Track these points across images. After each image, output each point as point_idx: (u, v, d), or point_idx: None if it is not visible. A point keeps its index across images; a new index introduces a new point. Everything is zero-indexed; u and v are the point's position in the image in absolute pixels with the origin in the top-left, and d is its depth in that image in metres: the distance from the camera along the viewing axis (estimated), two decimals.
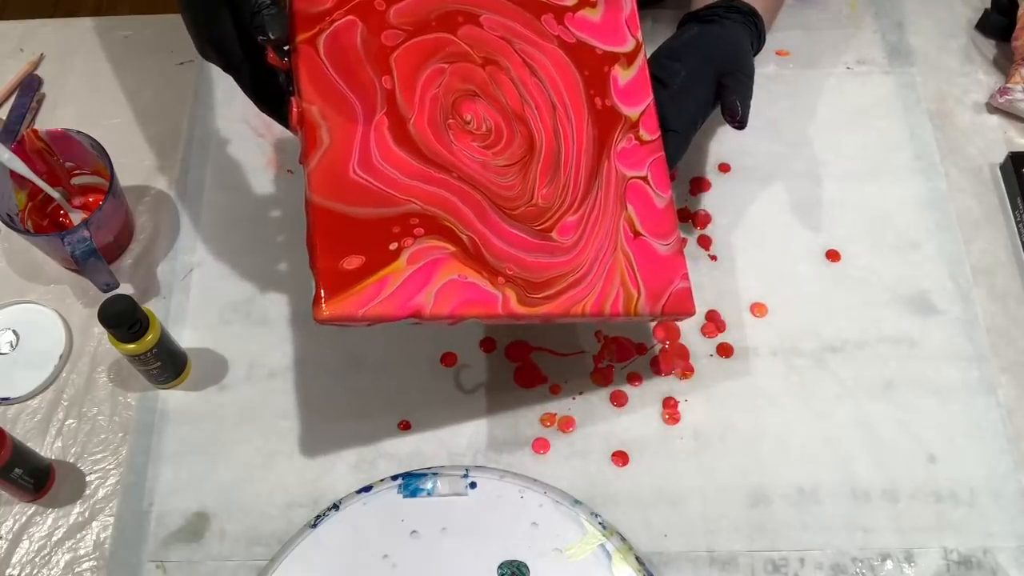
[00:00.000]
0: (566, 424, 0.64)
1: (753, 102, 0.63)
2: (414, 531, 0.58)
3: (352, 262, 0.49)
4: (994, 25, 0.79)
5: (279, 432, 0.64)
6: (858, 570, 0.59)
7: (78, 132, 0.67)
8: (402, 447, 0.63)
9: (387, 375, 0.65)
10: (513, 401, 0.64)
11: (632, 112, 0.61)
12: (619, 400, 0.64)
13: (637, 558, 0.57)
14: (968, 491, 0.61)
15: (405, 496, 0.59)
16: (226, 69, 0.54)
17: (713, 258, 0.70)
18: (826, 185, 0.73)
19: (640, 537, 0.59)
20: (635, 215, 0.59)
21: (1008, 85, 0.74)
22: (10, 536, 0.61)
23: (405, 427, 0.64)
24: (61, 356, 0.66)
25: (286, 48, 0.53)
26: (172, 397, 0.65)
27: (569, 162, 0.58)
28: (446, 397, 0.65)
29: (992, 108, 0.76)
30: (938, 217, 0.71)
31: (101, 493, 0.62)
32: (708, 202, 0.72)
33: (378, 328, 0.66)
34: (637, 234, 0.58)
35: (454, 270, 0.51)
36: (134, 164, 0.74)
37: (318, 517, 0.59)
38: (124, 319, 0.58)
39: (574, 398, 0.65)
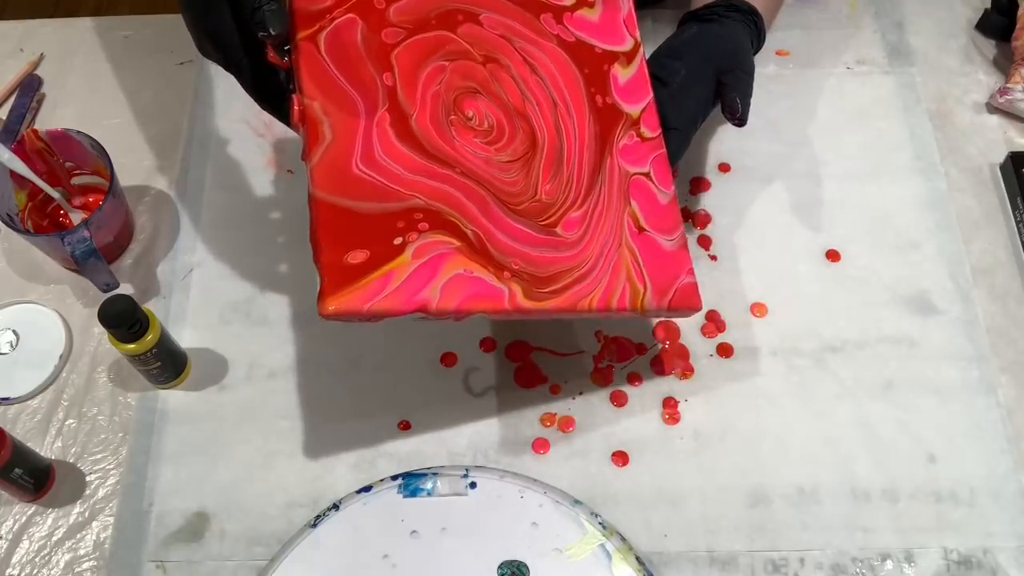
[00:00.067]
0: (566, 424, 0.64)
1: (753, 102, 0.63)
2: (414, 531, 0.58)
3: (356, 256, 0.49)
4: (994, 25, 0.79)
5: (279, 432, 0.64)
6: (858, 570, 0.59)
7: (78, 132, 0.67)
8: (402, 447, 0.63)
9: (387, 375, 0.65)
10: (513, 401, 0.64)
11: (633, 110, 0.61)
12: (619, 400, 0.64)
13: (637, 558, 0.57)
14: (968, 491, 0.61)
15: (405, 496, 0.59)
16: (226, 67, 0.54)
17: (713, 258, 0.70)
18: (826, 185, 0.73)
19: (640, 537, 0.59)
20: (639, 211, 0.59)
21: (1008, 85, 0.74)
22: (10, 536, 0.61)
23: (405, 427, 0.64)
24: (61, 356, 0.66)
25: (286, 47, 0.53)
26: (172, 397, 0.65)
27: (572, 158, 0.58)
28: (446, 397, 0.65)
29: (992, 108, 0.76)
30: (938, 217, 0.71)
31: (101, 493, 0.62)
32: (708, 202, 0.72)
33: (379, 328, 0.66)
34: (641, 229, 0.58)
35: (459, 265, 0.51)
36: (134, 164, 0.74)
37: (318, 517, 0.59)
38: (124, 319, 0.58)
39: (574, 398, 0.65)
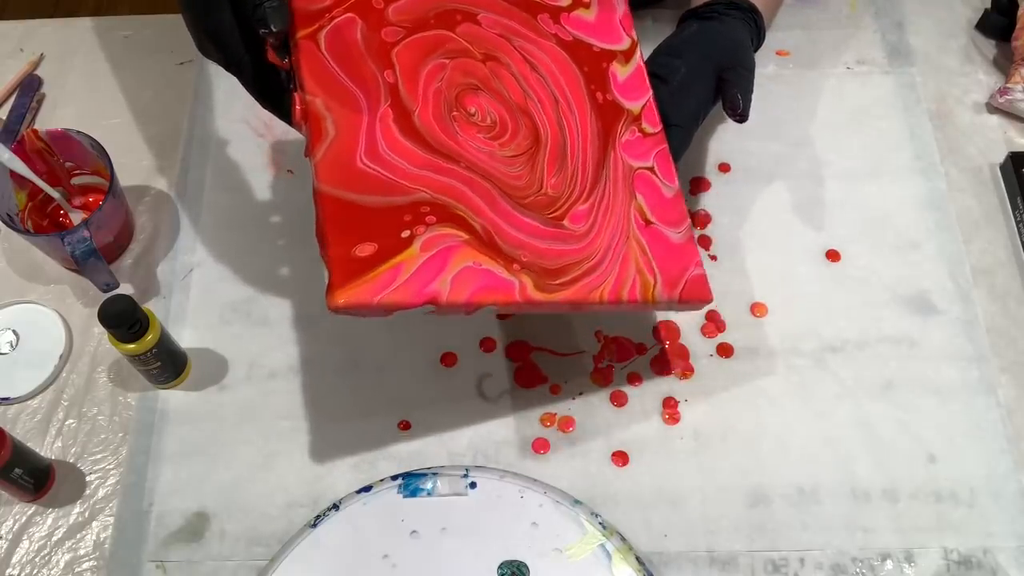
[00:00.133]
0: (566, 424, 0.64)
1: (753, 102, 0.63)
2: (414, 531, 0.58)
3: (364, 249, 0.48)
4: (994, 25, 0.79)
5: (279, 432, 0.64)
6: (858, 570, 0.59)
7: (78, 132, 0.67)
8: (402, 447, 0.63)
9: (387, 375, 0.65)
10: (513, 401, 0.64)
11: (634, 106, 0.61)
12: (619, 400, 0.64)
13: (637, 558, 0.57)
14: (968, 491, 0.61)
15: (405, 496, 0.59)
16: (226, 66, 0.54)
17: (713, 258, 0.70)
18: (826, 185, 0.73)
19: (640, 537, 0.59)
20: (645, 204, 0.59)
21: (1008, 85, 0.74)
22: (10, 536, 0.61)
23: (405, 427, 0.64)
24: (61, 356, 0.66)
25: (286, 48, 0.53)
26: (172, 397, 0.65)
27: (575, 153, 0.58)
28: (446, 397, 0.65)
29: (992, 108, 0.76)
30: (938, 217, 0.71)
31: (101, 493, 0.62)
32: (708, 202, 0.72)
33: (379, 328, 0.67)
34: (648, 222, 0.58)
35: (468, 257, 0.51)
36: (134, 164, 0.74)
37: (318, 517, 0.59)
38: (124, 319, 0.58)
39: (574, 398, 0.65)
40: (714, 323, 0.67)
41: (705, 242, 0.70)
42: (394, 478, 0.60)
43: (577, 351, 0.66)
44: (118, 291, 0.67)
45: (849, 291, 0.68)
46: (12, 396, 0.65)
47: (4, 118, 0.76)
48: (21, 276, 0.70)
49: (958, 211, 0.71)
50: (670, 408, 0.64)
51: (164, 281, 0.70)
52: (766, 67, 0.78)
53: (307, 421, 0.64)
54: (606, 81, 0.61)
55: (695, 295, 0.59)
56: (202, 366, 0.66)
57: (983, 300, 0.68)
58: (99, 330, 0.67)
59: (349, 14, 0.55)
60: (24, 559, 0.60)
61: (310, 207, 0.72)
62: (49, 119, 0.77)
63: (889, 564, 0.59)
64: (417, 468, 0.61)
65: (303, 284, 0.69)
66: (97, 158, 0.68)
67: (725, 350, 0.66)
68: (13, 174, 0.66)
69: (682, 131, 0.63)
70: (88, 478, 0.63)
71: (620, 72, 0.62)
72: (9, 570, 0.60)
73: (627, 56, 0.63)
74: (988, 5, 0.80)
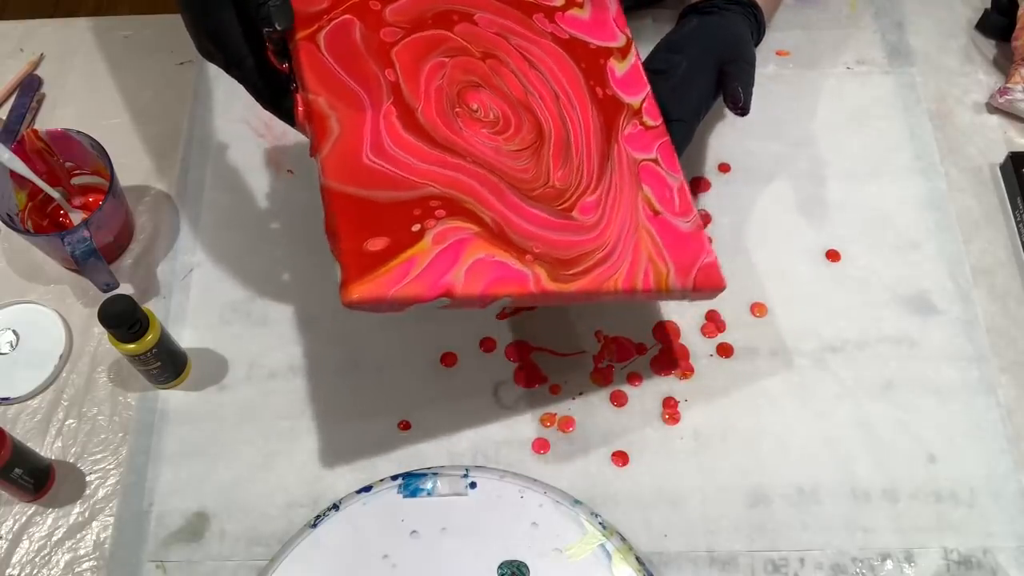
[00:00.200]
0: (566, 424, 0.64)
1: (753, 102, 0.64)
2: (414, 531, 0.58)
3: (376, 244, 0.48)
4: (994, 25, 0.79)
5: (279, 432, 0.64)
6: (858, 570, 0.59)
7: (78, 132, 0.67)
8: (402, 447, 0.63)
9: (387, 375, 0.65)
10: (513, 401, 0.64)
11: (633, 100, 0.62)
12: (619, 400, 0.64)
13: (637, 558, 0.57)
14: (968, 491, 0.61)
15: (405, 496, 0.59)
16: (227, 67, 0.54)
17: None
18: (826, 185, 0.73)
19: (640, 537, 0.59)
20: (652, 195, 0.59)
21: (1008, 85, 0.74)
22: (10, 536, 0.61)
23: (405, 427, 0.64)
24: (61, 356, 0.66)
25: (286, 51, 0.53)
26: (172, 397, 0.65)
27: (579, 146, 0.58)
28: (446, 397, 0.65)
29: (992, 108, 0.76)
30: (938, 217, 0.71)
31: (101, 493, 0.62)
32: (708, 202, 0.72)
33: (379, 328, 0.67)
34: (657, 212, 0.58)
35: (481, 249, 0.51)
36: (134, 164, 0.74)
37: (318, 517, 0.59)
38: (124, 319, 0.58)
39: (574, 398, 0.65)
40: (714, 323, 0.67)
41: None
42: (394, 478, 0.60)
43: (577, 351, 0.66)
44: (118, 291, 0.67)
45: (849, 291, 0.68)
46: (12, 396, 0.65)
47: (4, 118, 0.76)
48: (21, 276, 0.70)
49: (958, 211, 0.71)
50: (670, 408, 0.64)
51: (164, 281, 0.70)
52: (766, 67, 0.78)
53: (307, 421, 0.64)
54: (604, 77, 0.62)
55: (708, 283, 0.58)
56: (202, 366, 0.66)
57: (983, 300, 0.68)
58: (99, 330, 0.67)
59: (347, 15, 0.55)
60: (24, 559, 0.60)
61: (310, 207, 0.72)
62: (49, 119, 0.77)
63: (889, 564, 0.59)
64: (417, 468, 0.61)
65: (303, 284, 0.69)
66: (97, 158, 0.68)
67: (725, 350, 0.66)
68: (13, 174, 0.66)
69: (684, 125, 0.63)
70: (88, 478, 0.63)
71: (618, 68, 0.62)
72: (9, 570, 0.60)
73: (623, 53, 0.63)
74: (988, 5, 0.80)
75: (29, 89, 0.78)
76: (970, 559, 0.59)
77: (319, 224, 0.71)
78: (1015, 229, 0.70)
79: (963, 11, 0.81)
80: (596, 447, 0.63)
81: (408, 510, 0.59)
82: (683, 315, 0.67)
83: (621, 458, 0.62)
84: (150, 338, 0.60)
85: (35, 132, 0.67)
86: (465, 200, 0.52)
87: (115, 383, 0.66)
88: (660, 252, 0.57)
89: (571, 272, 0.53)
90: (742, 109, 0.63)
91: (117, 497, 0.62)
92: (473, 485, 0.59)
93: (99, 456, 0.63)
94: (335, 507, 0.59)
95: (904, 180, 0.73)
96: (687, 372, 0.65)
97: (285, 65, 0.54)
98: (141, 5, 0.91)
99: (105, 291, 0.66)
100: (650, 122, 0.61)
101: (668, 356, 0.66)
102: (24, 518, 0.61)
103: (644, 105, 0.62)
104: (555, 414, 0.64)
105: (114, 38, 0.81)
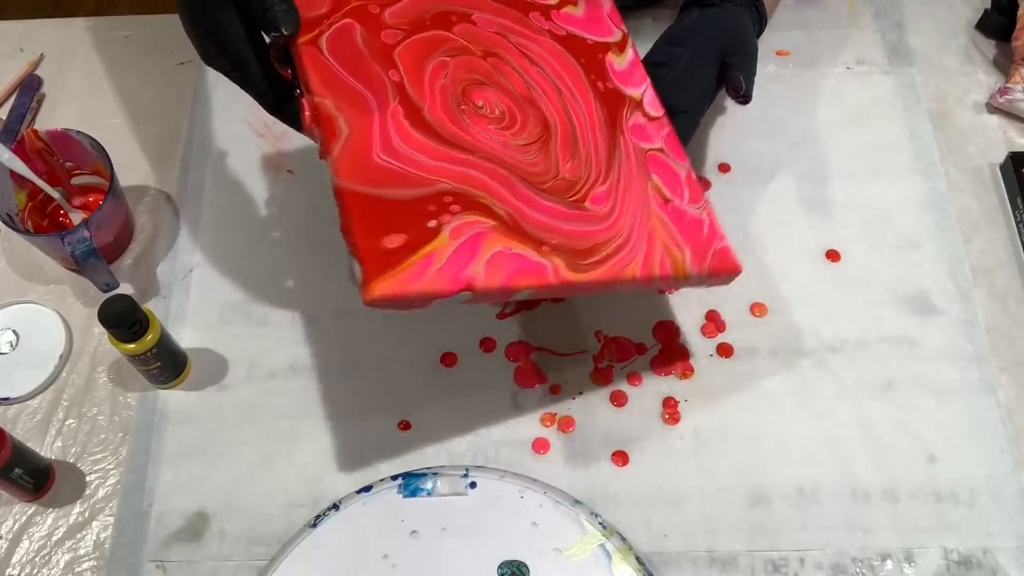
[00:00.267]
0: (566, 424, 0.64)
1: (753, 102, 0.64)
2: (414, 531, 0.58)
3: (393, 241, 0.49)
4: (994, 25, 0.79)
5: (279, 432, 0.64)
6: (858, 570, 0.59)
7: (78, 132, 0.67)
8: (402, 447, 0.63)
9: (387, 375, 0.65)
10: (513, 401, 0.64)
11: (635, 92, 0.62)
12: (619, 400, 0.64)
13: (637, 558, 0.57)
14: (968, 491, 0.61)
15: (405, 496, 0.59)
16: (230, 72, 0.53)
17: None
18: (826, 185, 0.73)
19: (640, 537, 0.59)
20: (661, 183, 0.59)
21: (1008, 85, 0.74)
22: (10, 536, 0.61)
23: (405, 427, 0.64)
24: (61, 356, 0.66)
25: (287, 57, 0.53)
26: (172, 397, 0.65)
27: (586, 138, 0.58)
28: (446, 397, 0.65)
29: (992, 108, 0.76)
30: (938, 217, 0.71)
31: (101, 493, 0.62)
32: None
33: (379, 327, 0.67)
34: (667, 200, 0.59)
35: (498, 243, 0.51)
36: (134, 164, 0.74)
37: (318, 517, 0.59)
38: (124, 319, 0.58)
39: (574, 398, 0.65)
40: (714, 323, 0.67)
41: None
42: (394, 478, 0.60)
43: (577, 351, 0.66)
44: (118, 291, 0.67)
45: (849, 291, 0.68)
46: (12, 396, 0.65)
47: (4, 118, 0.76)
48: (21, 276, 0.70)
49: (958, 211, 0.71)
50: (670, 408, 0.64)
51: (164, 281, 0.70)
52: (766, 67, 0.78)
53: (307, 421, 0.64)
54: (604, 71, 0.62)
55: (724, 267, 0.59)
56: (202, 366, 0.66)
57: (983, 300, 0.68)
58: (99, 330, 0.67)
59: (347, 19, 0.55)
60: (24, 559, 0.60)
61: (310, 207, 0.72)
62: (49, 119, 0.77)
63: (889, 564, 0.59)
64: (417, 468, 0.61)
65: (303, 284, 0.69)
66: (97, 158, 0.68)
67: (725, 350, 0.66)
68: (13, 174, 0.66)
69: (688, 117, 0.63)
70: (88, 478, 0.63)
71: (616, 62, 0.63)
72: (9, 570, 0.60)
73: (620, 47, 0.64)
74: (988, 5, 0.80)
75: (29, 89, 0.78)
76: (970, 559, 0.59)
77: (319, 224, 0.71)
78: (1015, 229, 0.70)
79: (963, 11, 0.81)
80: (596, 447, 0.63)
81: (408, 510, 0.59)
82: (683, 315, 0.67)
83: (621, 458, 0.62)
84: (150, 338, 0.60)
85: (35, 132, 0.67)
86: (478, 195, 0.52)
87: (115, 383, 0.66)
88: (674, 238, 0.57)
89: (588, 262, 0.53)
90: (744, 98, 0.63)
91: (117, 497, 0.62)
92: (473, 485, 0.59)
93: (99, 456, 0.63)
94: (335, 507, 0.59)
95: (904, 180, 0.73)
96: (687, 372, 0.65)
97: (287, 70, 0.54)
98: (141, 5, 0.91)
99: (105, 291, 0.66)
100: (653, 113, 0.62)
101: (668, 356, 0.66)
102: (24, 518, 0.61)
103: (645, 97, 0.62)
104: (555, 414, 0.64)
105: (114, 38, 0.81)
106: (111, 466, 0.63)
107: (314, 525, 0.58)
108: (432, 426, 0.64)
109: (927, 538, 0.59)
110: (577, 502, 0.59)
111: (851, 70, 0.78)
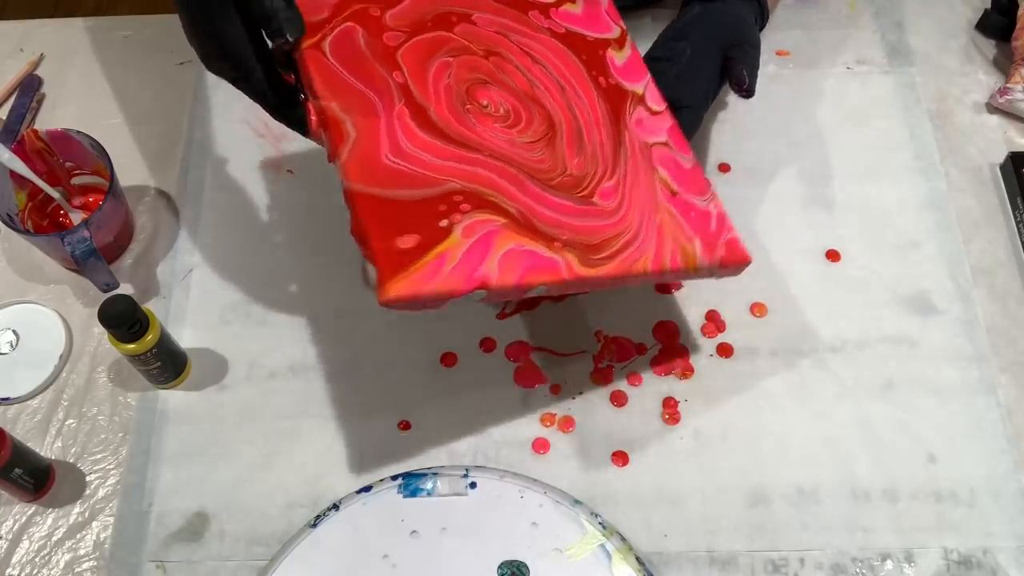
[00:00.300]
0: (566, 424, 0.64)
1: (753, 102, 0.64)
2: (414, 531, 0.58)
3: (407, 241, 0.49)
4: (994, 25, 0.79)
5: (279, 432, 0.64)
6: (858, 570, 0.59)
7: (78, 132, 0.67)
8: (402, 447, 0.63)
9: (387, 375, 0.65)
10: (513, 401, 0.64)
11: (636, 87, 0.62)
12: (619, 400, 0.64)
13: (637, 558, 0.57)
14: (968, 491, 0.61)
15: (405, 496, 0.59)
16: (235, 80, 0.52)
17: None
18: (826, 185, 0.73)
19: (640, 537, 0.59)
20: (668, 176, 0.59)
21: (1008, 85, 0.74)
22: (10, 536, 0.61)
23: (405, 427, 0.64)
24: (61, 356, 0.66)
25: (290, 62, 0.54)
26: (172, 397, 0.65)
27: (591, 134, 0.58)
28: (446, 397, 0.65)
29: (992, 108, 0.76)
30: (938, 217, 0.71)
31: (101, 493, 0.62)
32: None
33: (379, 327, 0.67)
34: (674, 193, 0.59)
35: (510, 240, 0.51)
36: (134, 164, 0.74)
37: (318, 517, 0.59)
38: (124, 319, 0.58)
39: (574, 398, 0.65)
40: (714, 323, 0.67)
41: None
42: (394, 478, 0.60)
43: (577, 351, 0.66)
44: (118, 291, 0.67)
45: (849, 291, 0.68)
46: (12, 396, 0.65)
47: (4, 118, 0.76)
48: (21, 276, 0.70)
49: (958, 211, 0.71)
50: (670, 408, 0.64)
51: (164, 281, 0.70)
52: (766, 67, 0.78)
53: (307, 421, 0.64)
54: (605, 67, 0.62)
55: (734, 258, 0.59)
56: (202, 366, 0.66)
57: (983, 300, 0.68)
58: (99, 330, 0.67)
59: (349, 23, 0.56)
60: (24, 559, 0.60)
61: (311, 207, 0.72)
62: (49, 119, 0.77)
63: (889, 564, 0.59)
64: (417, 468, 0.61)
65: (303, 284, 0.69)
66: (97, 158, 0.68)
67: (725, 350, 0.66)
68: (13, 174, 0.66)
69: (692, 112, 0.64)
70: (88, 478, 0.63)
71: (617, 57, 0.63)
72: (9, 570, 0.60)
73: (619, 43, 0.64)
74: (988, 5, 0.80)
75: (29, 89, 0.78)
76: (970, 559, 0.59)
77: (320, 224, 0.71)
78: (1015, 229, 0.70)
79: (963, 11, 0.81)
80: (596, 447, 0.63)
81: (408, 510, 0.59)
82: (683, 315, 0.67)
83: (621, 458, 0.62)
84: (150, 338, 0.60)
85: (35, 132, 0.67)
86: (488, 193, 0.52)
87: (115, 383, 0.66)
88: (684, 231, 0.57)
89: (599, 256, 0.53)
90: (747, 91, 0.63)
91: (117, 497, 0.62)
92: (473, 485, 0.59)
93: (99, 456, 0.63)
94: (335, 507, 0.59)
95: (904, 180, 0.73)
96: (687, 372, 0.65)
97: (290, 76, 0.54)
98: (141, 5, 0.91)
99: (105, 291, 0.66)
100: (655, 107, 0.62)
101: (668, 356, 0.66)
102: (24, 518, 0.62)
103: (647, 92, 0.63)
104: (555, 414, 0.64)
105: (114, 38, 0.81)
106: (111, 466, 0.63)
107: (314, 525, 0.58)
108: (432, 426, 0.64)
109: (927, 538, 0.59)
110: (577, 502, 0.59)
111: (851, 70, 0.78)
